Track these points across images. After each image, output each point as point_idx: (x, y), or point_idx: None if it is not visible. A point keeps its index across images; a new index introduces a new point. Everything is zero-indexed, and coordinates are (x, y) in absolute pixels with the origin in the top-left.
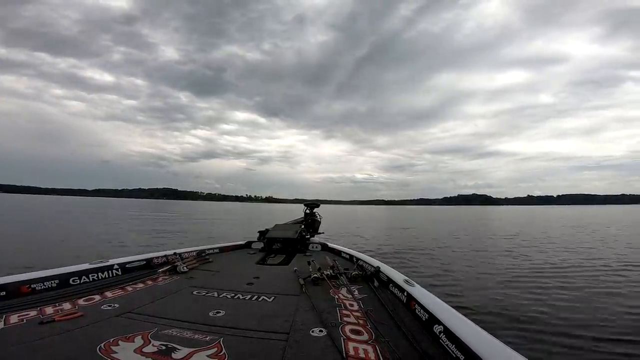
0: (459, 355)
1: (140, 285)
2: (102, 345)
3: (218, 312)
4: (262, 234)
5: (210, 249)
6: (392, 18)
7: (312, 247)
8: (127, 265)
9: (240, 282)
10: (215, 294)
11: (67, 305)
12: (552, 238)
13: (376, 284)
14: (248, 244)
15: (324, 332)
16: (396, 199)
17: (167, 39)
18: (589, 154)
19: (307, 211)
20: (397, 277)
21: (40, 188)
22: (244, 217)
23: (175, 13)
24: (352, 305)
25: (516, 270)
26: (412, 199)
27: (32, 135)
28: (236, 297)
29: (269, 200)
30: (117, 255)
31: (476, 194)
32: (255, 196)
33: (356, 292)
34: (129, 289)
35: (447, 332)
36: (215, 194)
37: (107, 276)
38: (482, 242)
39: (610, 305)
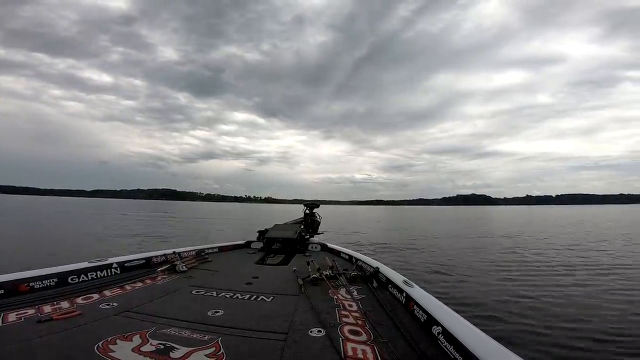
0: (457, 357)
1: (139, 284)
2: (100, 344)
3: (217, 312)
4: (262, 233)
5: (210, 248)
6: (391, 19)
7: (312, 247)
8: (126, 264)
9: (239, 282)
10: (214, 294)
11: (65, 304)
12: (551, 237)
13: (375, 284)
14: (247, 244)
15: (323, 333)
16: (395, 199)
17: (166, 40)
18: (587, 154)
19: (307, 211)
20: (396, 277)
21: (39, 189)
22: (242, 217)
23: (174, 13)
24: (351, 305)
25: (516, 270)
26: (411, 199)
27: (30, 136)
28: (235, 296)
29: (268, 200)
30: (115, 254)
31: (475, 194)
32: (254, 197)
33: (355, 293)
34: (128, 287)
35: (446, 333)
36: (214, 194)
37: (105, 275)
38: (481, 242)
39: (610, 305)
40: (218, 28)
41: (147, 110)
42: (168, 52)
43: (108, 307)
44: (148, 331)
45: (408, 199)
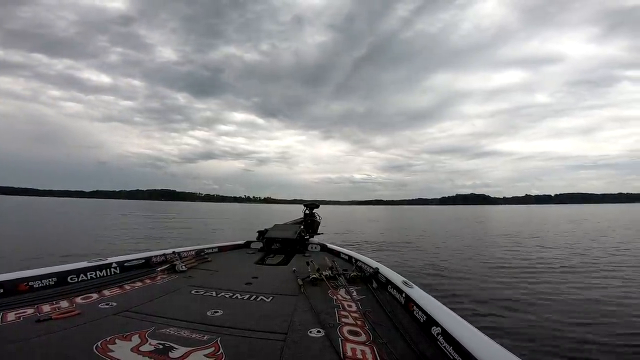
0: (456, 358)
1: (139, 284)
2: (98, 343)
3: (216, 312)
4: (261, 234)
5: (209, 248)
6: (390, 19)
7: (311, 247)
8: (125, 264)
9: (238, 282)
10: (214, 294)
11: (64, 304)
12: (550, 237)
13: (375, 285)
14: (247, 244)
15: (322, 333)
16: (394, 199)
17: (165, 40)
18: (586, 153)
19: (307, 212)
20: (396, 278)
21: (38, 190)
22: (241, 218)
23: (173, 14)
24: (350, 306)
25: (515, 269)
26: (410, 198)
27: (29, 137)
28: (234, 296)
29: (268, 201)
30: (114, 254)
31: (474, 194)
32: (253, 197)
33: (355, 293)
34: (127, 287)
35: (445, 334)
36: (213, 194)
37: (105, 274)
38: (480, 242)
39: (610, 304)
40: (217, 28)
41: (146, 110)
42: (167, 53)
43: (107, 306)
44: (147, 331)
45: (407, 198)
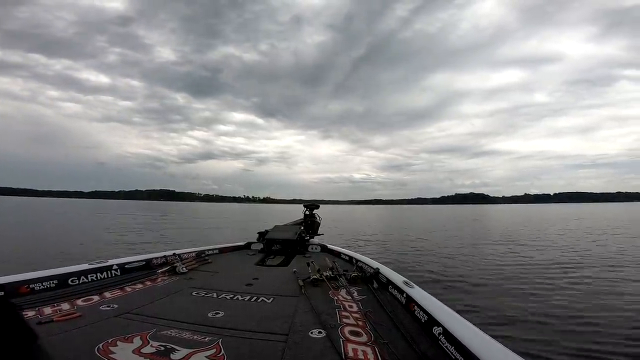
0: (458, 357)
1: (140, 285)
2: (100, 345)
3: (217, 313)
4: (262, 235)
5: (210, 249)
6: (389, 18)
7: (312, 248)
8: (126, 266)
9: (239, 283)
10: (215, 295)
11: (65, 306)
12: (549, 236)
13: (375, 285)
14: (247, 245)
15: (323, 334)
16: (394, 199)
17: (164, 40)
18: (584, 152)
19: (307, 212)
20: (397, 278)
21: (37, 190)
22: (240, 218)
23: (172, 14)
24: (351, 306)
25: (514, 268)
26: (409, 198)
27: (28, 138)
28: (235, 298)
29: (267, 201)
30: (112, 253)
31: (473, 193)
32: (252, 197)
33: (355, 294)
34: (128, 289)
35: (447, 333)
36: (212, 195)
37: (106, 277)
38: (479, 241)
39: (610, 302)
40: (216, 28)
41: (145, 110)
42: (166, 53)
43: (108, 308)
44: (148, 333)
45: (407, 198)
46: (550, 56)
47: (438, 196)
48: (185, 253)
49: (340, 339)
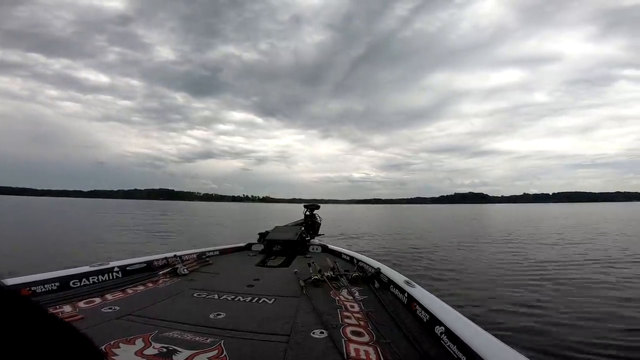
0: (460, 357)
1: (141, 287)
2: (102, 347)
3: (219, 314)
4: (262, 236)
5: (211, 251)
6: (389, 18)
7: (312, 248)
8: (127, 268)
9: (240, 284)
10: (216, 296)
11: (67, 308)
12: (549, 236)
13: (377, 285)
14: (248, 246)
15: (325, 334)
16: (393, 198)
17: (163, 39)
18: (584, 152)
19: (307, 213)
20: (398, 278)
21: (36, 190)
22: (239, 219)
23: (171, 13)
24: (352, 306)
25: (514, 268)
26: (409, 197)
27: (27, 137)
28: (237, 299)
29: (266, 200)
30: (114, 256)
31: (472, 193)
32: (252, 196)
33: (357, 294)
34: (130, 291)
35: (449, 333)
36: (212, 194)
37: (107, 279)
38: (479, 241)
39: (610, 302)
40: (215, 27)
41: (144, 110)
42: (165, 52)
43: (110, 310)
44: (151, 334)
45: (406, 197)
46: (549, 56)
47: (437, 196)
48: (186, 254)
49: (342, 339)
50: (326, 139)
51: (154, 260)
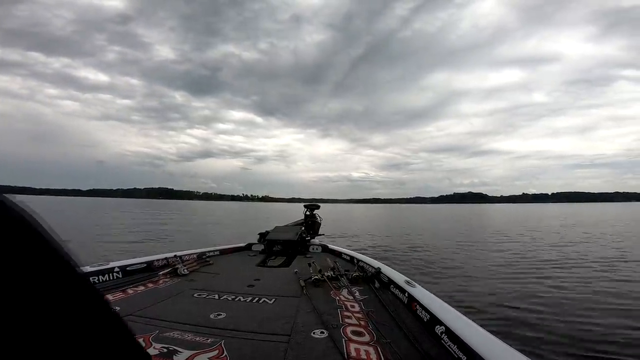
0: (461, 356)
1: (141, 288)
2: None
3: (219, 315)
4: (263, 236)
5: (211, 251)
6: (388, 17)
7: (313, 248)
8: (127, 268)
9: (240, 284)
10: (216, 296)
11: None
12: (548, 236)
13: (377, 285)
14: (248, 246)
15: (325, 334)
16: (392, 198)
17: (163, 39)
18: (583, 152)
19: (308, 213)
20: (398, 278)
21: (35, 188)
22: (237, 218)
23: (171, 12)
24: (353, 306)
25: (513, 267)
26: (408, 197)
27: (26, 136)
28: (237, 299)
29: (265, 199)
30: (113, 255)
31: (472, 192)
32: (251, 195)
33: (357, 294)
34: (130, 291)
35: (449, 332)
36: (211, 193)
37: (107, 279)
38: (477, 241)
39: (609, 302)
40: (215, 27)
41: (144, 109)
42: (165, 51)
43: None
44: (151, 335)
45: (405, 197)
46: (549, 56)
47: (437, 195)
48: (186, 255)
49: (343, 339)
50: (325, 138)
51: (154, 260)
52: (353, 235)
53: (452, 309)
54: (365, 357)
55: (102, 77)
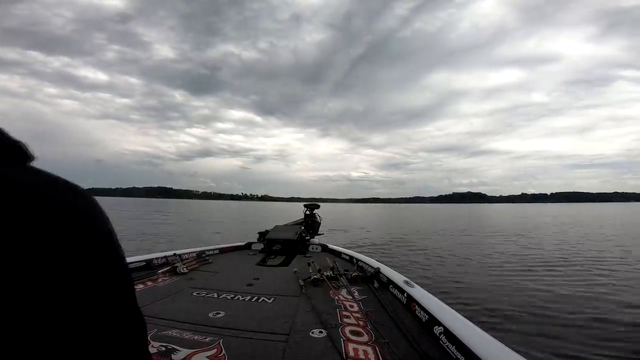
0: (459, 357)
1: (140, 286)
2: None
3: (218, 313)
4: (262, 235)
5: (210, 249)
6: (388, 17)
7: (312, 248)
8: None
9: (240, 283)
10: (215, 295)
11: None
12: (546, 236)
13: (376, 285)
14: (248, 245)
15: (324, 333)
16: (392, 197)
17: (163, 38)
18: (582, 152)
19: (307, 212)
20: (397, 278)
21: None
22: (236, 217)
23: (171, 11)
24: (352, 306)
25: (513, 267)
26: (407, 197)
27: (25, 135)
28: (236, 298)
29: (265, 198)
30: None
31: (471, 192)
32: (250, 195)
33: (356, 293)
34: None
35: (448, 333)
36: (210, 192)
37: None
38: (477, 240)
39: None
40: (215, 26)
41: (143, 108)
42: (164, 51)
43: None
44: (149, 333)
45: (405, 196)
46: (549, 56)
47: (436, 195)
48: (185, 253)
49: (341, 339)
50: (325, 137)
51: (153, 258)
52: (352, 235)
53: (451, 310)
54: (364, 357)
55: (101, 76)
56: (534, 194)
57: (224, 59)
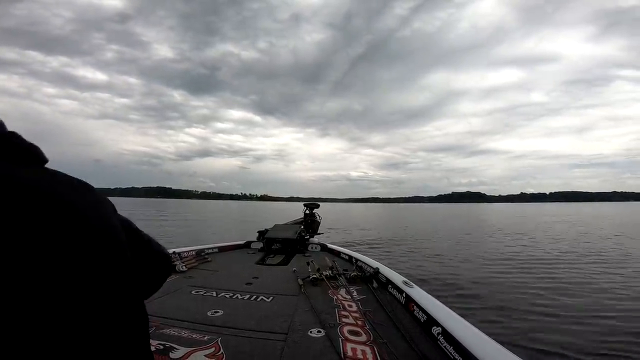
0: (457, 357)
1: None
2: None
3: (216, 312)
4: (262, 234)
5: (210, 248)
6: (388, 17)
7: (312, 247)
8: None
9: (239, 282)
10: (214, 294)
11: None
12: (546, 236)
13: (375, 285)
14: (247, 244)
15: (323, 333)
16: (391, 197)
17: (162, 38)
18: (581, 152)
19: (307, 212)
20: (396, 278)
21: None
22: (235, 217)
23: (170, 11)
24: (350, 306)
25: (512, 267)
26: (407, 196)
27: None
28: (235, 296)
29: (264, 198)
30: None
31: (470, 192)
32: (250, 194)
33: (355, 293)
34: None
35: (446, 333)
36: (209, 192)
37: None
38: (475, 241)
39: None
40: (214, 26)
41: (142, 108)
42: (163, 50)
43: None
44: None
45: (404, 196)
46: (548, 56)
47: (435, 194)
48: (184, 251)
49: (340, 339)
50: (324, 137)
51: None
52: (352, 234)
53: (449, 311)
54: (362, 357)
55: (100, 76)
56: (533, 194)
57: (223, 58)
